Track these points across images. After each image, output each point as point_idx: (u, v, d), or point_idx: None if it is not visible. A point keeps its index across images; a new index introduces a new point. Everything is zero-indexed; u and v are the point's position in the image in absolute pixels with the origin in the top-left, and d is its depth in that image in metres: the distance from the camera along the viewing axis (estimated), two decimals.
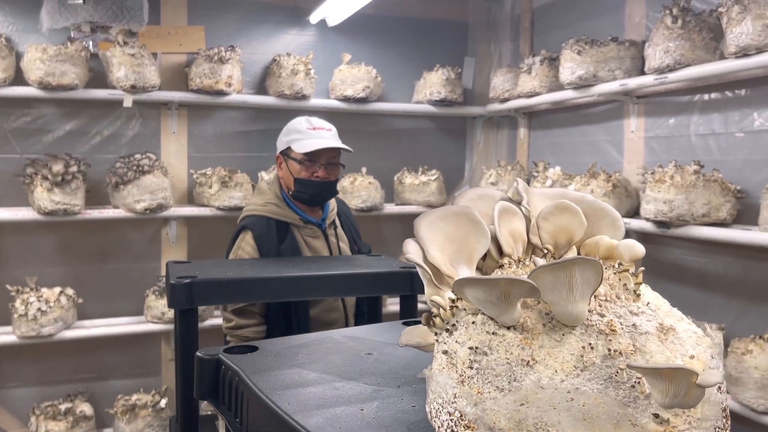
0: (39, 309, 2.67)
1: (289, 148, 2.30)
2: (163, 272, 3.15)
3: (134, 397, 2.95)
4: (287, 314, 2.15)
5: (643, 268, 0.71)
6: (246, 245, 2.22)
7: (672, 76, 2.21)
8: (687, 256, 2.42)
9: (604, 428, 0.60)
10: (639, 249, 0.72)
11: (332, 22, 3.34)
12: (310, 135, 2.30)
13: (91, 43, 2.97)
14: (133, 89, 2.83)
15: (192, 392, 1.53)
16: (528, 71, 3.00)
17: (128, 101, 2.85)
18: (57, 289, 2.82)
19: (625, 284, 0.69)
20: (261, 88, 3.28)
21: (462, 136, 3.74)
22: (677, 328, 0.66)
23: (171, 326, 2.97)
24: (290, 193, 2.30)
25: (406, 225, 3.54)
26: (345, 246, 2.39)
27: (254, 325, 2.16)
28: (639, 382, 0.61)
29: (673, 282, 2.45)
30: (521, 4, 3.46)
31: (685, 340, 0.65)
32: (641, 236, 2.59)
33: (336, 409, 0.75)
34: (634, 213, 2.47)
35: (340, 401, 0.78)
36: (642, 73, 2.43)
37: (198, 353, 1.01)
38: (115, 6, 2.78)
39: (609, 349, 0.62)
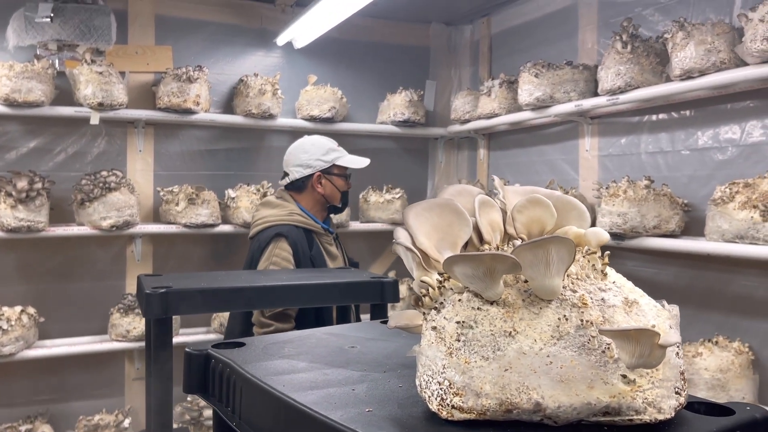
0: (0, 328, 2.61)
1: (333, 166, 2.48)
2: (128, 290, 3.12)
3: (96, 417, 2.89)
4: (318, 317, 2.25)
5: (608, 252, 0.80)
6: (281, 251, 2.30)
7: (623, 97, 2.35)
8: (640, 268, 2.55)
9: (579, 388, 0.66)
10: (604, 235, 0.81)
11: (298, 44, 3.42)
12: (344, 152, 2.56)
13: (57, 61, 2.97)
14: (100, 107, 2.83)
15: (166, 406, 1.55)
16: (488, 93, 3.13)
17: (95, 119, 2.84)
18: (18, 308, 2.76)
19: (593, 265, 0.76)
20: (228, 108, 3.31)
21: (424, 156, 3.84)
22: (640, 302, 0.74)
23: (134, 344, 2.93)
24: (327, 207, 2.53)
25: (371, 242, 3.60)
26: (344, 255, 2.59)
27: (292, 328, 2.24)
28: (609, 348, 0.68)
29: None
30: (480, 30, 3.61)
31: (647, 312, 0.73)
32: None
33: (329, 390, 0.81)
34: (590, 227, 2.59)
35: (332, 384, 0.83)
36: (595, 94, 2.57)
37: (187, 349, 1.04)
38: (83, 25, 2.80)
39: (581, 320, 0.69)
